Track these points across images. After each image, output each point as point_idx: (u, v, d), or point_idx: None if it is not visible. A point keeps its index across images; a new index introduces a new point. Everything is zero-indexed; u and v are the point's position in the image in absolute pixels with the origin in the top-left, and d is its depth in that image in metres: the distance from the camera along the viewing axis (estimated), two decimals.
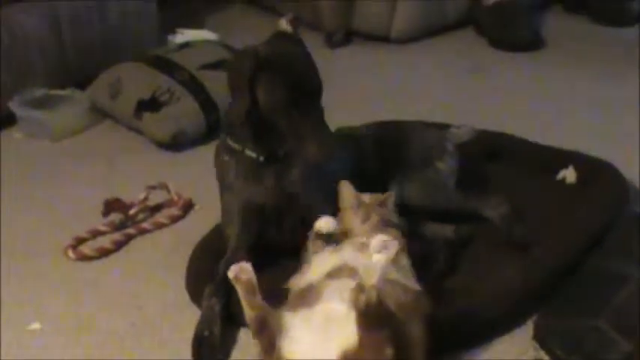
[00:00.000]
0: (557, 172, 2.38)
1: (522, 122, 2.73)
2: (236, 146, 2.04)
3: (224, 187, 2.09)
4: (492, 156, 2.46)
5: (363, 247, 1.77)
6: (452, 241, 2.13)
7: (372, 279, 1.52)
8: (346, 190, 1.96)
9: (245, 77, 1.90)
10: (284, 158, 2.03)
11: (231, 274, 1.60)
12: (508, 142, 2.53)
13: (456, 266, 2.05)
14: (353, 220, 1.91)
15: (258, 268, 1.65)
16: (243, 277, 1.60)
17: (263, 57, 1.89)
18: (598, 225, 2.11)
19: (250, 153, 2.02)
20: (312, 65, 1.97)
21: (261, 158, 2.02)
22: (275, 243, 2.06)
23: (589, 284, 1.89)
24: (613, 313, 1.77)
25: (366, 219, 1.90)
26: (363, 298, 1.52)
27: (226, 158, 2.07)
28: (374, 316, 1.53)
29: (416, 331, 1.64)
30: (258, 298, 1.59)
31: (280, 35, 1.98)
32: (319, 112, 1.93)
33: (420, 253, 2.02)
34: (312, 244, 1.87)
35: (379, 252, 1.54)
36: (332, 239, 1.85)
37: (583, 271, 1.94)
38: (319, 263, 1.77)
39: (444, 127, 2.45)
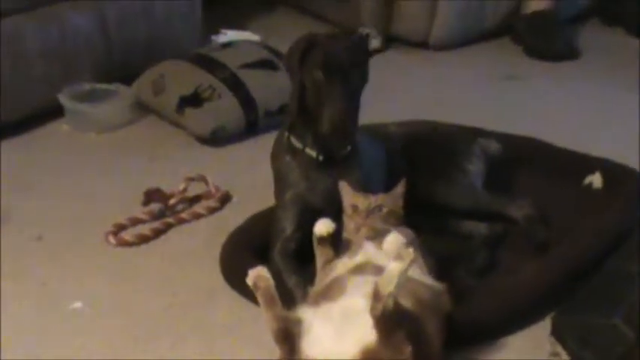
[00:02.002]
0: (584, 177, 2.44)
1: (553, 129, 2.78)
2: (297, 144, 2.11)
3: (285, 186, 2.15)
4: (520, 160, 2.52)
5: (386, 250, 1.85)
6: (489, 237, 2.19)
7: (388, 287, 1.57)
8: (344, 194, 1.99)
9: (295, 57, 2.03)
10: (344, 160, 2.10)
11: (249, 280, 1.65)
12: (537, 147, 2.60)
13: (495, 263, 2.12)
14: (347, 228, 1.95)
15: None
16: (262, 284, 1.64)
17: (313, 40, 2.02)
18: (619, 229, 2.17)
19: (310, 152, 2.09)
20: (362, 60, 2.06)
21: (321, 158, 2.09)
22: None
23: (606, 284, 1.95)
24: (628, 311, 1.83)
25: (357, 229, 1.92)
26: (379, 306, 1.57)
27: (287, 158, 2.14)
28: (392, 321, 1.59)
29: (433, 327, 1.71)
30: (279, 308, 1.64)
31: (345, 33, 2.09)
32: (355, 105, 2.03)
33: (456, 251, 2.10)
34: (317, 251, 1.93)
35: (395, 260, 1.59)
36: (336, 241, 1.92)
37: (601, 272, 2.00)
38: (342, 263, 1.85)
39: (473, 131, 2.52)
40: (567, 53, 3.54)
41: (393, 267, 1.58)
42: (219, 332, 1.97)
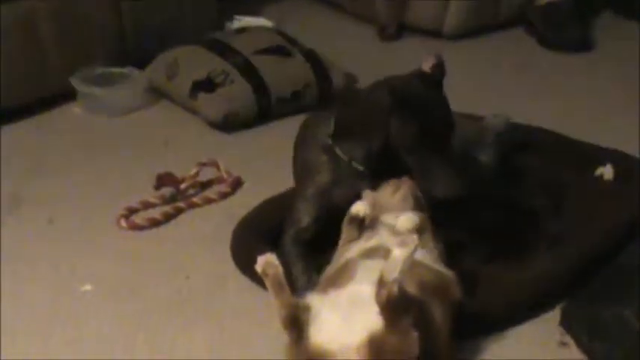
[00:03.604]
0: (595, 168, 2.44)
1: (566, 120, 2.78)
2: (342, 155, 2.07)
3: (311, 180, 2.12)
4: (532, 150, 2.52)
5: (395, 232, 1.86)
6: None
7: (393, 274, 1.57)
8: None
9: (383, 113, 1.94)
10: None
11: (258, 267, 1.64)
12: (548, 138, 2.60)
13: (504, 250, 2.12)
14: (383, 193, 1.96)
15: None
16: (271, 271, 1.63)
17: (400, 95, 1.95)
18: (632, 221, 2.17)
19: (357, 165, 2.06)
20: (447, 107, 2.03)
21: (361, 168, 2.06)
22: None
23: (617, 276, 1.96)
24: (638, 303, 1.83)
25: (395, 190, 1.95)
26: (384, 292, 1.57)
27: (323, 158, 2.10)
28: (397, 308, 1.58)
29: (441, 314, 1.72)
30: (288, 294, 1.63)
31: (419, 74, 2.03)
32: (449, 151, 1.99)
33: (465, 238, 2.10)
34: (345, 230, 1.94)
35: (399, 247, 1.59)
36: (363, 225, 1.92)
37: (613, 263, 2.00)
38: (355, 246, 1.86)
39: (479, 118, 2.52)
40: (581, 45, 3.53)
41: (398, 253, 1.58)
42: (229, 317, 1.98)
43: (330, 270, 1.86)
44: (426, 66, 2.03)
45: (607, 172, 2.42)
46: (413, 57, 3.47)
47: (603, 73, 3.31)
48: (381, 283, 1.58)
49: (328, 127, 2.10)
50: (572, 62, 3.44)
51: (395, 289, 1.57)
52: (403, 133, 1.95)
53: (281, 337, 1.74)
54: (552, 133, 2.63)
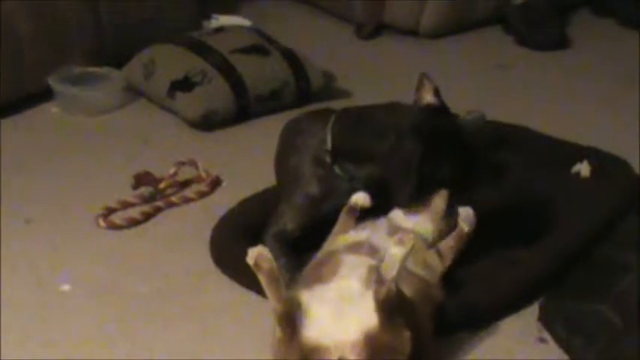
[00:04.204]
0: (572, 166, 2.45)
1: (543, 117, 2.79)
2: (340, 173, 2.06)
3: (299, 188, 2.11)
4: (509, 147, 2.53)
5: (391, 228, 1.87)
6: None
7: (391, 272, 1.59)
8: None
9: (414, 163, 1.92)
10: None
11: (250, 260, 1.62)
12: (526, 135, 2.61)
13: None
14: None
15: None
16: (264, 265, 1.62)
17: (425, 148, 1.92)
18: (607, 217, 2.19)
19: (357, 186, 2.03)
20: (465, 138, 2.02)
21: (361, 188, 2.03)
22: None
23: (595, 271, 1.98)
24: (616, 299, 1.85)
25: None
26: (383, 290, 1.59)
27: (319, 172, 2.09)
28: (394, 306, 1.60)
29: (425, 316, 1.74)
30: (283, 290, 1.62)
31: (430, 110, 2.01)
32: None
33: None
34: (341, 217, 1.96)
35: (397, 245, 1.60)
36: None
37: (590, 259, 2.02)
38: (343, 237, 1.86)
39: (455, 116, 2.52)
40: (558, 43, 3.54)
41: (396, 251, 1.59)
42: (209, 315, 1.98)
43: (314, 260, 1.86)
44: (428, 94, 2.00)
45: (584, 169, 2.44)
46: (390, 55, 3.55)
47: (580, 70, 3.33)
48: (379, 280, 1.59)
49: (323, 140, 2.08)
50: (549, 60, 3.45)
51: (393, 287, 1.58)
52: (433, 174, 1.94)
53: (262, 334, 1.77)
54: (529, 130, 2.64)
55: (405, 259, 1.59)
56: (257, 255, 1.61)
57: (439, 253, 1.90)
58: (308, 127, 2.17)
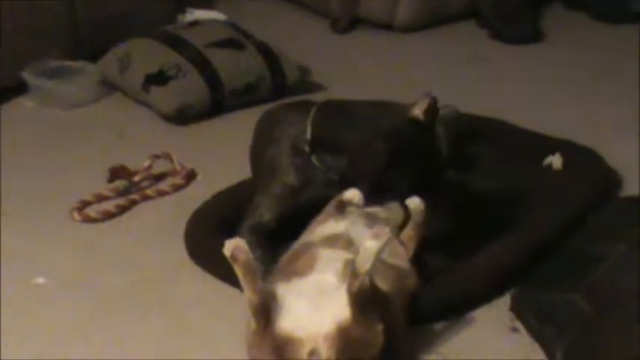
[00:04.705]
0: (544, 158, 2.47)
1: (516, 110, 2.81)
2: (318, 164, 2.07)
3: (276, 178, 2.12)
4: (482, 139, 2.55)
5: (369, 219, 1.88)
6: None
7: (365, 265, 1.60)
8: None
9: (375, 169, 1.97)
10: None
11: (227, 251, 1.62)
12: (499, 127, 2.63)
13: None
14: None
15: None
16: (241, 257, 1.62)
17: (396, 150, 1.96)
18: (579, 208, 2.21)
19: (333, 176, 2.06)
20: (437, 157, 2.03)
21: (336, 179, 2.06)
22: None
23: (567, 262, 2.00)
24: (588, 289, 1.87)
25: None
26: (356, 283, 1.60)
27: (297, 161, 2.10)
28: (367, 299, 1.61)
29: (398, 307, 1.74)
30: (259, 282, 1.63)
31: (412, 123, 2.00)
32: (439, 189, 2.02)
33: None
34: (328, 210, 1.96)
35: (372, 239, 1.61)
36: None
37: (562, 250, 2.04)
38: (321, 227, 1.88)
39: None
40: (531, 36, 3.57)
41: (371, 245, 1.60)
42: (184, 307, 1.98)
43: (291, 250, 1.87)
44: (420, 109, 2.01)
45: (556, 161, 2.46)
46: (365, 49, 3.56)
47: (553, 64, 3.35)
48: (353, 274, 1.61)
49: (302, 130, 2.09)
50: (523, 53, 3.48)
51: (366, 281, 1.60)
52: (391, 185, 1.97)
53: (236, 326, 1.77)
54: (502, 122, 2.66)
55: (379, 252, 1.60)
56: (234, 247, 1.62)
57: (403, 243, 1.91)
58: (286, 117, 2.19)
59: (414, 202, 1.90)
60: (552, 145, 2.51)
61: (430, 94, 2.02)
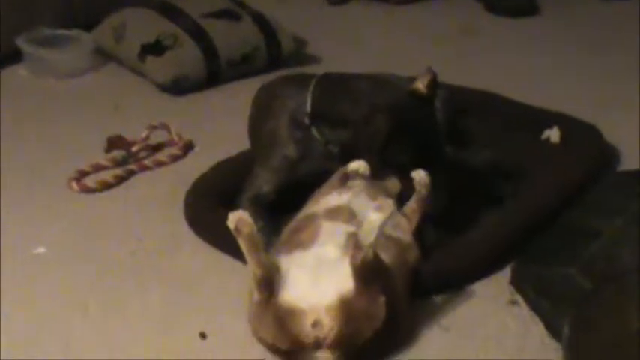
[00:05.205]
0: (542, 131, 2.48)
1: (512, 84, 2.81)
2: (317, 136, 2.07)
3: (275, 151, 2.12)
4: (478, 113, 2.54)
5: (373, 195, 1.89)
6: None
7: (369, 238, 1.61)
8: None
9: (376, 143, 1.95)
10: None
11: (230, 224, 1.63)
12: (495, 101, 2.63)
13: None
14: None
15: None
16: (245, 229, 1.63)
17: (394, 127, 1.94)
18: (576, 182, 2.21)
19: (333, 149, 2.07)
20: (436, 131, 2.04)
21: (336, 151, 2.06)
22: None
23: (565, 236, 2.00)
24: (584, 262, 1.87)
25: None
26: (360, 255, 1.61)
27: (297, 133, 2.10)
28: (370, 271, 1.63)
29: (401, 280, 1.75)
30: (263, 254, 1.64)
31: (412, 96, 2.01)
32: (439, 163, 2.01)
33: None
34: (332, 178, 1.97)
35: (376, 212, 1.64)
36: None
37: (559, 225, 2.05)
38: (324, 200, 1.88)
39: None
40: (526, 9, 3.57)
41: (375, 218, 1.61)
42: (184, 278, 1.98)
43: (294, 222, 1.88)
44: (422, 83, 2.01)
45: (553, 135, 2.46)
46: (359, 21, 3.56)
47: (548, 36, 3.36)
48: (357, 246, 1.61)
49: (302, 102, 2.09)
50: (518, 26, 3.48)
51: (370, 253, 1.61)
52: (392, 158, 1.97)
53: (236, 296, 1.80)
54: (499, 96, 2.66)
55: (383, 225, 1.61)
56: (237, 219, 1.63)
57: (406, 217, 1.92)
58: (285, 90, 2.18)
59: (419, 175, 1.90)
60: (549, 118, 2.51)
61: (431, 69, 2.02)
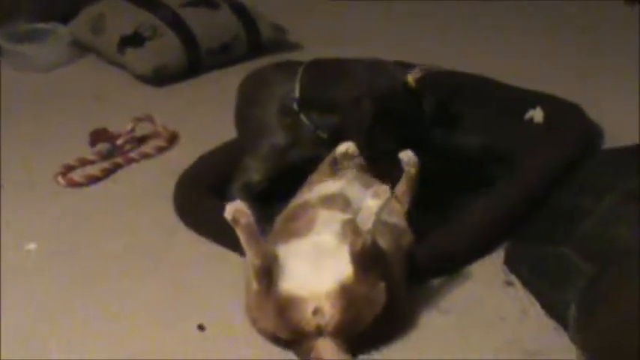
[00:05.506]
0: (525, 112, 2.49)
1: (495, 65, 2.81)
2: (306, 122, 2.08)
3: (264, 138, 2.12)
4: (461, 95, 2.54)
5: (366, 183, 1.89)
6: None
7: (367, 224, 1.62)
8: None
9: (362, 126, 1.98)
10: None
11: (228, 215, 1.63)
12: (479, 83, 2.64)
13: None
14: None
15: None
16: (243, 219, 1.63)
17: (380, 112, 1.97)
18: (563, 162, 2.22)
19: (322, 134, 2.07)
20: (423, 122, 2.06)
21: (325, 137, 2.06)
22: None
23: (556, 216, 2.01)
24: (577, 241, 1.88)
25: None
26: (360, 241, 1.62)
27: (286, 120, 2.09)
28: (369, 257, 1.64)
29: (398, 263, 1.76)
30: (262, 244, 1.65)
31: (404, 88, 2.04)
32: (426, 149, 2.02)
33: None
34: (322, 165, 1.98)
35: (373, 198, 1.63)
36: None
37: (550, 204, 2.06)
38: (318, 187, 1.89)
39: (411, 66, 2.54)
40: None
41: (372, 204, 1.61)
42: (178, 271, 1.98)
43: (288, 210, 1.88)
44: (413, 77, 2.03)
45: (537, 115, 2.47)
46: (341, 9, 3.53)
47: (529, 17, 3.35)
48: (355, 232, 1.62)
49: (290, 89, 2.09)
50: (498, 8, 3.46)
51: (369, 239, 1.61)
52: (379, 141, 1.99)
53: (231, 286, 1.82)
54: (482, 78, 2.66)
55: (380, 211, 1.62)
56: (235, 210, 1.63)
57: (397, 199, 1.92)
58: (272, 78, 2.18)
59: (407, 155, 1.91)
60: (533, 99, 2.52)
61: (425, 68, 2.04)
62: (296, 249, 1.69)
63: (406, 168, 1.92)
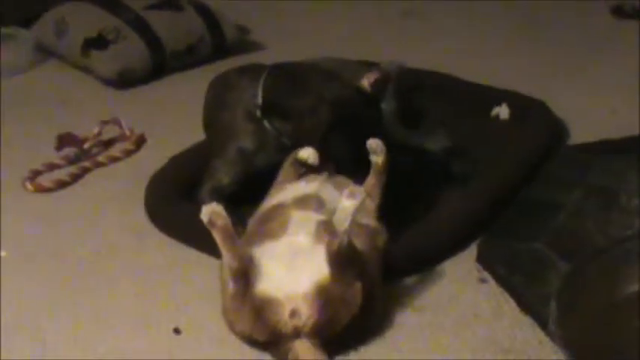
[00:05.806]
0: (491, 109, 2.51)
1: (459, 63, 2.84)
2: (269, 128, 2.07)
3: (231, 140, 2.12)
4: (427, 93, 2.56)
5: (338, 184, 1.89)
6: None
7: (344, 224, 1.62)
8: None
9: (318, 134, 1.97)
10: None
11: (204, 217, 1.62)
12: (443, 80, 2.66)
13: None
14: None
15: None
16: (219, 222, 1.62)
17: (335, 119, 1.97)
18: (531, 158, 2.25)
19: (285, 140, 2.06)
20: (378, 126, 2.04)
21: (289, 143, 2.05)
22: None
23: (527, 211, 2.03)
24: (550, 236, 1.91)
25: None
26: (336, 242, 1.62)
27: (250, 126, 2.09)
28: (345, 258, 1.64)
29: (373, 265, 1.76)
30: (238, 247, 1.64)
31: (358, 93, 2.03)
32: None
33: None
34: (285, 169, 1.97)
35: (348, 199, 1.63)
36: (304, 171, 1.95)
37: (521, 200, 2.08)
38: (292, 188, 1.88)
39: (375, 64, 2.55)
40: None
41: (347, 205, 1.61)
42: (151, 274, 1.97)
43: (260, 213, 1.87)
44: (368, 81, 2.03)
45: (503, 111, 2.50)
46: (305, 8, 3.54)
47: (493, 14, 3.38)
48: (332, 233, 1.62)
49: (254, 95, 2.09)
50: (462, 6, 3.49)
51: (345, 240, 1.61)
52: (336, 147, 1.99)
53: (203, 288, 1.82)
54: (447, 76, 2.69)
55: (356, 211, 1.62)
56: (211, 212, 1.62)
57: (367, 194, 1.92)
58: (238, 82, 2.17)
59: (375, 142, 1.91)
60: (498, 96, 2.54)
61: (380, 68, 2.04)
62: (271, 250, 1.69)
63: (374, 158, 1.91)
